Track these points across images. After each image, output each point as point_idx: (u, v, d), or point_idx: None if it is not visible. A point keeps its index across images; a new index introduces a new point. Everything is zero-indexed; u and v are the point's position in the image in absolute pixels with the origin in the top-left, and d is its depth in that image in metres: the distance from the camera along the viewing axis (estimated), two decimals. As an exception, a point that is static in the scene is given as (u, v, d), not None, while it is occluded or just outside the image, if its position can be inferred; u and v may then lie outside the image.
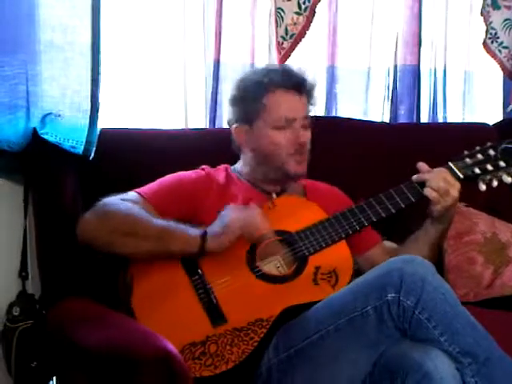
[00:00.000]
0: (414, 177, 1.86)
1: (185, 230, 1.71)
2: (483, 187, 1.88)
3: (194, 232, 1.71)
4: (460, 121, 2.87)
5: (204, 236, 1.70)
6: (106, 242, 1.73)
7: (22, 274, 1.96)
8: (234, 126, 1.95)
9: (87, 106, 1.89)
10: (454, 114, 2.87)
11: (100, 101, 1.91)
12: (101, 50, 1.88)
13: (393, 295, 1.56)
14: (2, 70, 1.82)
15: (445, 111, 2.84)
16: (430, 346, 1.53)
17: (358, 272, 1.84)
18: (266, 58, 2.45)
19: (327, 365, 1.61)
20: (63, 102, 1.89)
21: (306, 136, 1.91)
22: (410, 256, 1.65)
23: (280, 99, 1.89)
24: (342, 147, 2.35)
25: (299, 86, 1.91)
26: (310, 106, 1.96)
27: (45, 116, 1.88)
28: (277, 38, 2.43)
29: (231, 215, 1.72)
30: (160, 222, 1.72)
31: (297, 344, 1.64)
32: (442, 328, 1.54)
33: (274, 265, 1.80)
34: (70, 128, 1.90)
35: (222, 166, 1.99)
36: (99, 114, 1.92)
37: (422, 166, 1.86)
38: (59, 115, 1.88)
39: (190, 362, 1.61)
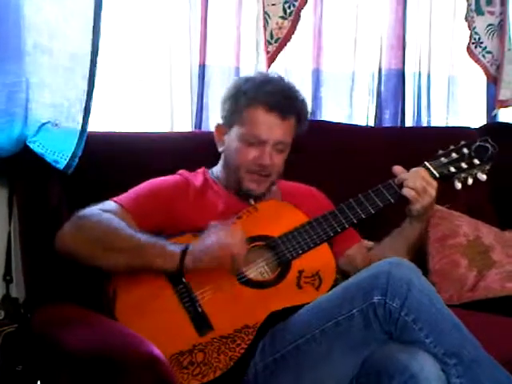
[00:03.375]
0: (394, 179, 1.86)
1: (164, 245, 1.69)
2: (459, 185, 1.89)
3: (174, 248, 1.68)
4: (444, 125, 2.89)
5: (184, 253, 1.67)
6: (85, 256, 1.71)
7: (6, 277, 1.95)
8: (217, 123, 1.96)
9: (80, 118, 1.87)
10: (438, 118, 2.89)
11: (94, 110, 1.90)
12: (98, 60, 1.87)
13: (379, 298, 1.56)
14: (3, 77, 1.81)
15: (429, 115, 2.86)
16: (415, 347, 1.54)
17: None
18: (251, 61, 2.45)
19: (314, 368, 1.61)
20: (61, 111, 1.87)
21: (274, 158, 1.87)
22: (397, 259, 1.66)
23: (258, 117, 1.86)
24: (326, 151, 2.36)
25: (284, 109, 1.86)
26: (297, 129, 1.92)
27: (42, 125, 1.86)
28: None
29: (212, 240, 1.68)
30: (140, 236, 1.70)
31: (283, 348, 1.65)
32: (428, 330, 1.55)
33: (258, 270, 1.79)
34: (60, 139, 1.88)
35: (200, 170, 1.98)
36: (88, 128, 1.90)
37: (397, 168, 1.86)
38: (56, 125, 1.86)
39: (178, 372, 1.60)
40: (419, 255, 2.23)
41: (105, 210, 1.76)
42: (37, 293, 1.90)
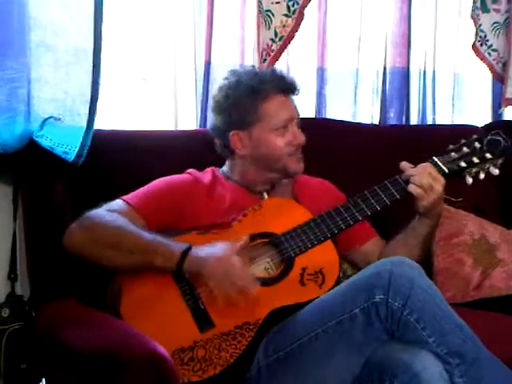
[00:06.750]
0: (400, 175, 1.84)
1: (167, 245, 1.70)
2: (470, 180, 1.86)
3: (175, 249, 1.68)
4: (449, 123, 2.88)
5: (185, 255, 1.67)
6: (91, 255, 1.73)
7: (11, 275, 1.96)
8: (230, 132, 1.91)
9: (86, 110, 1.88)
10: (443, 116, 2.88)
11: (99, 105, 1.90)
12: (102, 54, 1.87)
13: (381, 297, 1.56)
14: (2, 73, 1.81)
15: (434, 113, 2.85)
16: (418, 347, 1.54)
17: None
18: (255, 59, 2.45)
19: (316, 367, 1.61)
20: (64, 105, 1.88)
21: (303, 135, 1.93)
22: (399, 258, 1.66)
23: (276, 104, 1.91)
24: (331, 149, 2.35)
25: (290, 88, 1.94)
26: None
27: (45, 120, 1.87)
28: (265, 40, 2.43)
29: (215, 265, 1.66)
30: (146, 235, 1.71)
31: (286, 347, 1.65)
32: (430, 329, 1.55)
33: (262, 267, 1.80)
34: (66, 132, 1.88)
35: (209, 169, 1.99)
36: (95, 118, 1.90)
37: (404, 164, 1.84)
38: (59, 119, 1.87)
39: (179, 368, 1.60)
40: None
41: (112, 210, 1.77)
42: (42, 291, 1.91)
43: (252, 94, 1.89)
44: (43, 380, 1.90)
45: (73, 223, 1.77)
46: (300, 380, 1.62)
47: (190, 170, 1.96)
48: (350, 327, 1.58)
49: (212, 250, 1.68)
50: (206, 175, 1.96)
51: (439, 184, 1.80)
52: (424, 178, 1.79)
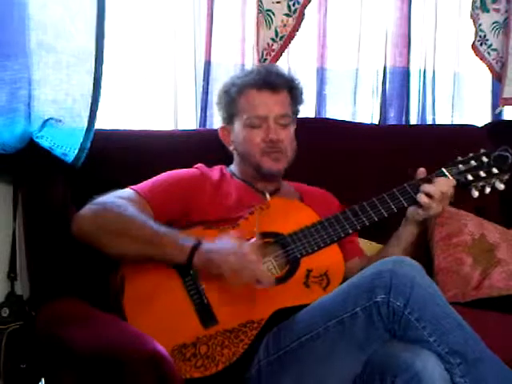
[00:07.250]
0: (408, 183, 1.85)
1: (177, 237, 1.70)
2: (476, 194, 1.89)
3: (186, 242, 1.69)
4: (449, 122, 2.88)
5: (195, 248, 1.67)
6: (98, 240, 1.73)
7: (11, 275, 1.96)
8: (219, 126, 2.02)
9: (86, 111, 1.88)
10: (443, 116, 2.88)
11: (99, 106, 1.90)
12: (104, 55, 1.88)
13: (382, 296, 1.56)
14: (3, 74, 1.82)
15: (434, 113, 2.85)
16: (419, 346, 1.54)
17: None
18: (256, 59, 2.44)
19: (317, 366, 1.61)
20: (65, 107, 1.88)
21: (281, 134, 1.92)
22: (400, 257, 1.66)
23: (252, 98, 1.93)
24: (331, 149, 2.35)
25: (273, 84, 1.94)
26: (293, 104, 1.99)
27: (45, 121, 1.87)
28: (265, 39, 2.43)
29: (230, 256, 1.65)
30: (153, 225, 1.71)
31: (287, 345, 1.65)
32: (431, 328, 1.55)
33: (266, 266, 1.79)
34: (66, 134, 1.88)
35: (218, 166, 2.01)
36: (95, 120, 1.91)
37: (421, 171, 1.86)
38: (60, 121, 1.88)
39: (181, 364, 1.61)
40: (424, 253, 2.25)
41: (122, 197, 1.78)
42: (41, 290, 1.91)
43: (232, 88, 1.96)
44: (43, 380, 1.90)
45: (81, 209, 1.76)
46: (301, 379, 1.62)
47: (198, 165, 1.98)
48: (352, 326, 1.58)
49: (224, 245, 1.67)
50: (214, 172, 1.98)
51: (448, 198, 1.83)
52: (438, 192, 1.81)
